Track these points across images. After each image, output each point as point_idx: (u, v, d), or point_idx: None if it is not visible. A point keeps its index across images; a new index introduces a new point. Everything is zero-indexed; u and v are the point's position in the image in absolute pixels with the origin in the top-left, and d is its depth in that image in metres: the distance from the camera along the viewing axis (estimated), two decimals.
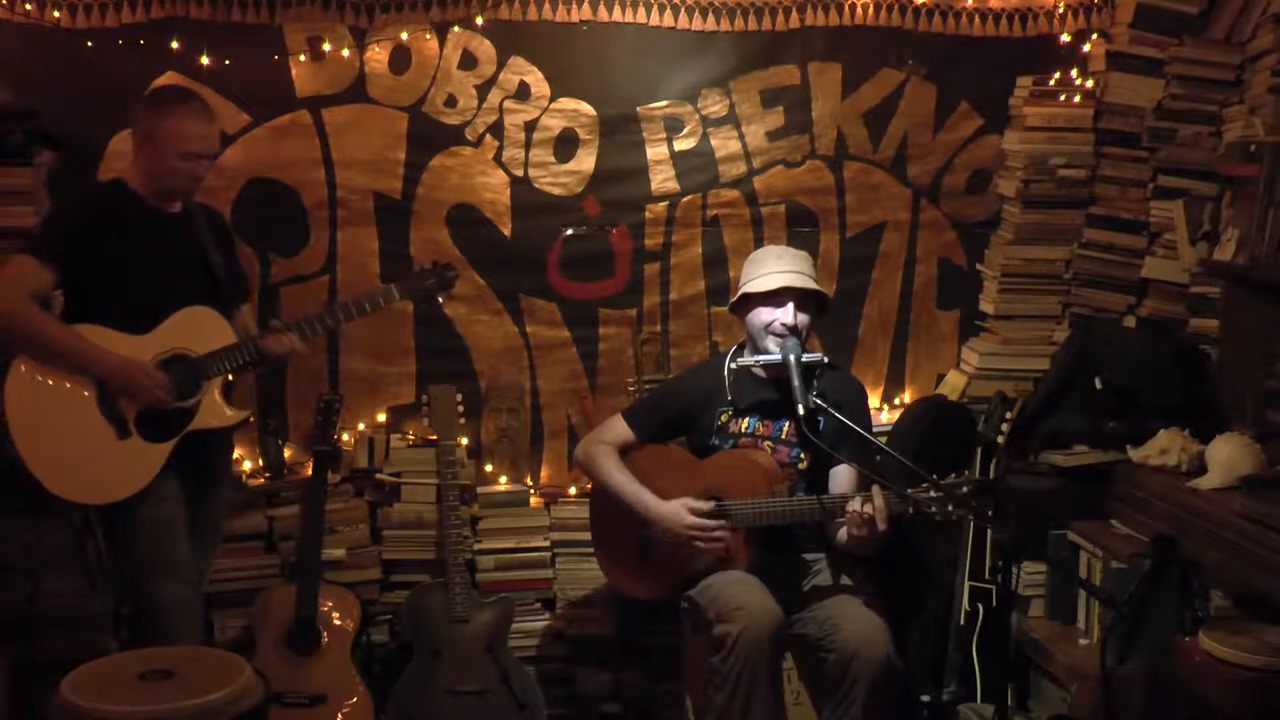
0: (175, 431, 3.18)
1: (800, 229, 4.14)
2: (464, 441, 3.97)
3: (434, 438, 3.92)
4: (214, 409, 3.23)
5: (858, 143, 4.13)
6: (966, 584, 3.69)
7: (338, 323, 3.40)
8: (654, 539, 3.31)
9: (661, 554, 3.31)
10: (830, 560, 3.31)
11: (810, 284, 3.30)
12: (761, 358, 3.31)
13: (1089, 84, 4.04)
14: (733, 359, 3.41)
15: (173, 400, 3.15)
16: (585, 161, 4.01)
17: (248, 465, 3.93)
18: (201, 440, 3.24)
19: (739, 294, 3.36)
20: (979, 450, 3.82)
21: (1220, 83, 3.95)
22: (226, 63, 3.76)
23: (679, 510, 3.23)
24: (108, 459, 3.11)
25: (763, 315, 3.29)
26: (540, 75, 3.95)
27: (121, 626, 3.64)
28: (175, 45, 3.73)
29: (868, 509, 3.01)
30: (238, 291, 3.42)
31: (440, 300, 3.58)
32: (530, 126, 3.98)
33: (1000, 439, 3.85)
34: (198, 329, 3.21)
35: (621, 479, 3.36)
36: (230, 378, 3.28)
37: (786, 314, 3.26)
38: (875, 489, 3.06)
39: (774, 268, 3.30)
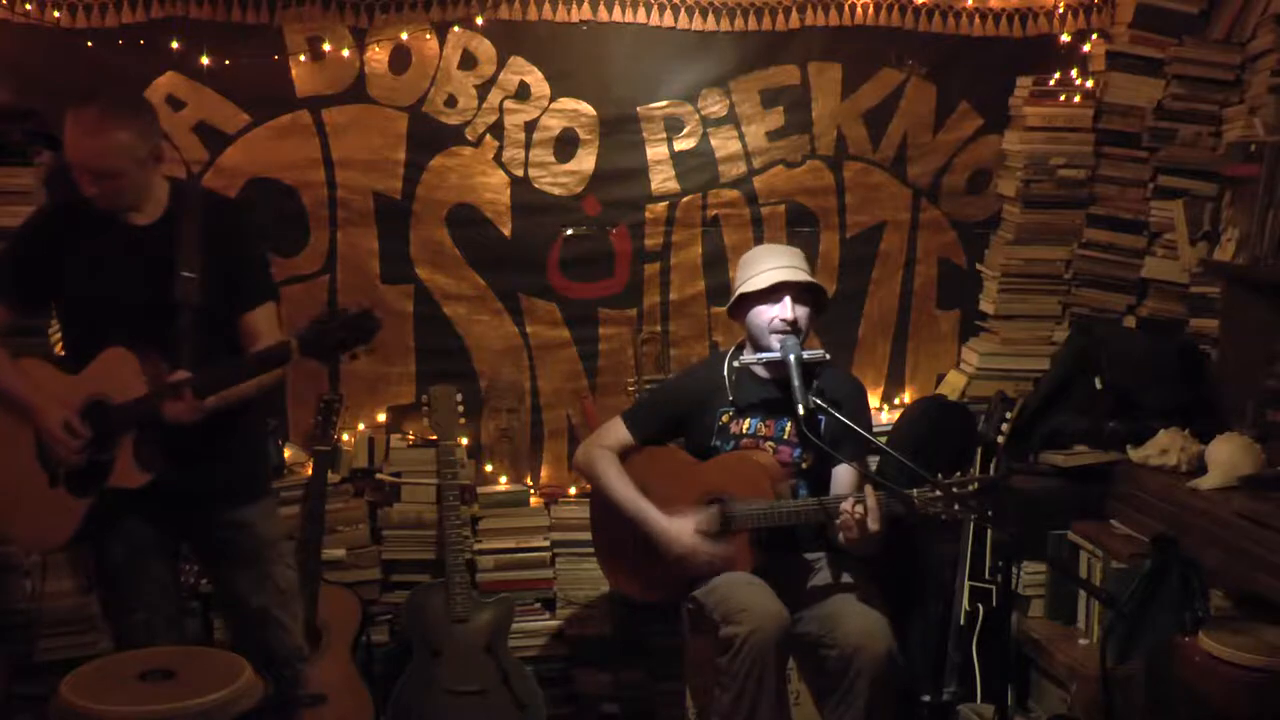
0: (94, 488, 2.84)
1: (800, 229, 4.14)
2: (464, 441, 3.97)
3: (434, 438, 3.92)
4: (123, 467, 2.82)
5: (858, 143, 4.13)
6: (966, 584, 3.69)
7: (236, 380, 2.79)
8: (655, 546, 3.30)
9: (663, 559, 3.30)
10: (831, 559, 3.31)
11: (805, 276, 3.30)
12: (763, 355, 3.30)
13: (1089, 84, 4.04)
14: (733, 358, 3.41)
15: (89, 454, 2.82)
16: (585, 161, 4.01)
17: None
18: (171, 497, 2.86)
19: (735, 295, 3.36)
20: (979, 450, 3.82)
21: (1220, 83, 3.96)
22: (226, 63, 3.76)
23: (683, 533, 3.23)
24: (38, 507, 2.89)
25: (762, 314, 3.29)
26: (540, 75, 3.95)
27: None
28: (175, 45, 3.72)
29: (858, 510, 3.02)
30: (242, 298, 2.93)
31: (354, 355, 2.77)
32: (530, 126, 3.98)
33: (1000, 439, 3.85)
34: (116, 374, 2.82)
35: (622, 489, 3.34)
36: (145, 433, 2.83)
37: (785, 309, 3.26)
38: (868, 489, 3.07)
39: (767, 265, 3.30)
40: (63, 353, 3.02)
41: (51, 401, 2.84)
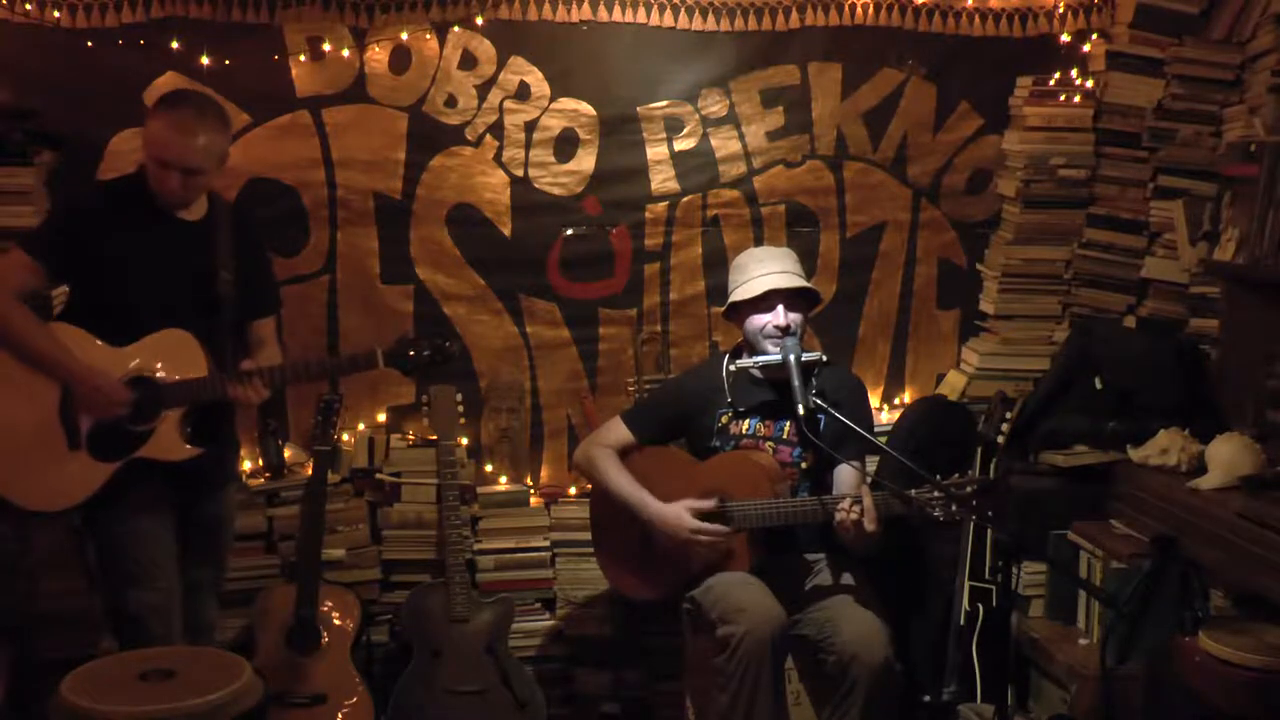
0: (123, 455, 3.03)
1: (800, 229, 4.14)
2: (464, 441, 3.97)
3: (434, 438, 3.92)
4: (167, 441, 3.04)
5: (858, 143, 4.13)
6: (966, 584, 3.69)
7: (311, 378, 3.13)
8: (655, 540, 3.31)
9: (663, 555, 3.31)
10: (830, 560, 3.31)
11: (796, 282, 3.30)
12: (761, 359, 3.31)
13: (1089, 84, 4.04)
14: (731, 360, 3.42)
15: (128, 422, 3.00)
16: (585, 161, 4.01)
17: (248, 465, 3.92)
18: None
19: (728, 303, 3.36)
20: (979, 450, 3.82)
21: (1220, 83, 3.95)
22: (226, 63, 3.76)
23: (680, 514, 3.23)
24: (51, 467, 3.00)
25: (756, 321, 3.30)
26: (540, 75, 3.95)
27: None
28: (175, 45, 3.73)
29: (855, 512, 3.02)
30: (257, 306, 3.27)
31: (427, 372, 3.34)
32: (530, 126, 3.98)
33: (1000, 439, 3.85)
34: (173, 354, 3.04)
35: (622, 481, 3.36)
36: (193, 411, 3.09)
37: (777, 316, 3.27)
38: (864, 490, 3.08)
39: (757, 271, 3.31)
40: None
41: (94, 364, 2.99)
